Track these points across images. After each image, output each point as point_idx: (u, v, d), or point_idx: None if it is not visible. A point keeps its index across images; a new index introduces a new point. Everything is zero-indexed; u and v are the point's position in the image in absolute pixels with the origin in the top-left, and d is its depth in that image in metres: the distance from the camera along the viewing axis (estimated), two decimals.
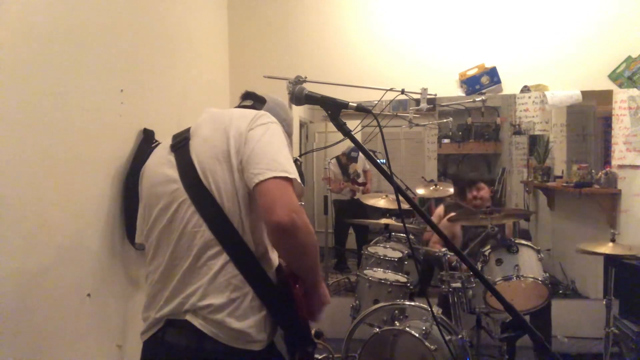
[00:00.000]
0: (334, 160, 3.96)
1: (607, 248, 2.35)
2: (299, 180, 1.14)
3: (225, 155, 1.18)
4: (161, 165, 1.27)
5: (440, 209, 3.27)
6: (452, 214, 3.06)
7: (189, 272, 1.16)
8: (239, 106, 1.45)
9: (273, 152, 1.16)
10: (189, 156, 1.22)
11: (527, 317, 2.74)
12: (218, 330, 1.11)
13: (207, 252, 1.15)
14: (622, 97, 3.23)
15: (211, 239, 1.15)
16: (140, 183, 1.34)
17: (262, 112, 1.28)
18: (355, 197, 3.96)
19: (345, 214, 3.92)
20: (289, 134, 1.49)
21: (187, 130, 1.30)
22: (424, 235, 3.36)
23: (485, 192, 3.07)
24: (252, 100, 1.47)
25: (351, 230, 4.14)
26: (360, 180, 4.06)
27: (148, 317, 1.21)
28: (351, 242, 4.12)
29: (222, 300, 1.12)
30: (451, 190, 3.33)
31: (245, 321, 1.13)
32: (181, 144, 1.27)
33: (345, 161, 4.02)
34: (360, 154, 3.94)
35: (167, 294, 1.17)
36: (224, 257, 1.14)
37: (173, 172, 1.23)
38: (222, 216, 1.15)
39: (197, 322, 1.12)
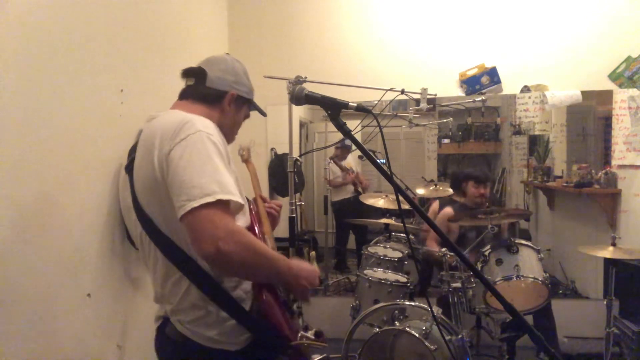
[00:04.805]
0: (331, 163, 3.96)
1: (608, 252, 2.30)
2: (226, 197, 1.07)
3: (154, 185, 1.18)
4: (124, 187, 1.36)
5: (435, 205, 3.25)
6: (448, 208, 3.06)
7: (162, 293, 1.29)
8: (185, 89, 1.43)
9: (192, 175, 1.08)
10: (133, 184, 1.27)
11: (529, 318, 2.74)
12: (192, 334, 1.24)
13: (170, 278, 1.25)
14: (622, 97, 3.23)
15: (170, 266, 1.23)
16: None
17: (186, 119, 1.18)
18: (359, 190, 3.96)
19: (345, 214, 3.92)
20: (245, 96, 1.43)
21: (135, 146, 1.32)
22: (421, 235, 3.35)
23: (488, 191, 3.09)
24: (193, 77, 1.40)
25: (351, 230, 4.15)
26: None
27: (157, 311, 1.37)
28: (351, 242, 4.12)
29: (190, 318, 1.24)
30: (451, 190, 3.31)
31: (214, 330, 1.23)
32: (130, 166, 1.32)
33: (340, 154, 3.98)
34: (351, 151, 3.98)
35: (161, 301, 1.33)
36: (185, 282, 1.23)
37: (130, 201, 1.30)
38: (173, 245, 1.21)
39: (178, 326, 1.26)
